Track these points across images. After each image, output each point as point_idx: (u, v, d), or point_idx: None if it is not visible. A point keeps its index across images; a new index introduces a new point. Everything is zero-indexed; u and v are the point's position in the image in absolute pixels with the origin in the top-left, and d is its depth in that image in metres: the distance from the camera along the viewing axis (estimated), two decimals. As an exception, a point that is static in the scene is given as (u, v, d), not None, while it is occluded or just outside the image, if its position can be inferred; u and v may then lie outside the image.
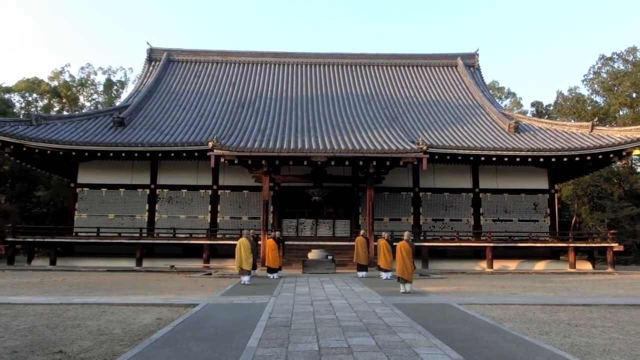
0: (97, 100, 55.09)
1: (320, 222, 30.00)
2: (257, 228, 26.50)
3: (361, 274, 21.08)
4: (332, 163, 24.78)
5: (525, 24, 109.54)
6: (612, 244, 27.63)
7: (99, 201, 29.69)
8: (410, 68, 40.61)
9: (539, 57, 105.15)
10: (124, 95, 51.85)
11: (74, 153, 27.25)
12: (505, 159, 27.83)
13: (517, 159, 27.84)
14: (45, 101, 51.94)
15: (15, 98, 49.53)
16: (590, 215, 40.88)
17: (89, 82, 55.22)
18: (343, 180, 28.19)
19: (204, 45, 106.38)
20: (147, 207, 29.77)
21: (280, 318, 9.66)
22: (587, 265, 28.68)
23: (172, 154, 28.08)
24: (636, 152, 28.40)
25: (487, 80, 43.95)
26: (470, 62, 40.73)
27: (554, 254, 29.89)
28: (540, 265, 28.12)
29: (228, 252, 24.26)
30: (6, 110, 40.73)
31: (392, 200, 30.06)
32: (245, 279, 17.49)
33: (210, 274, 22.66)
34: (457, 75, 39.68)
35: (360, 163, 24.92)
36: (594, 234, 33.02)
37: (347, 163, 25.44)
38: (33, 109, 47.70)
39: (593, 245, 29.08)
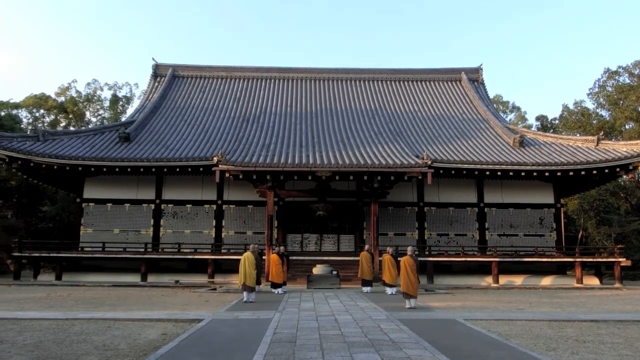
0: (103, 115, 55.44)
1: (324, 237, 29.95)
2: (261, 243, 26.48)
3: (366, 289, 21.00)
4: (337, 178, 24.78)
5: (529, 38, 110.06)
6: (620, 259, 27.45)
7: (104, 216, 29.78)
8: (414, 83, 40.75)
9: (543, 70, 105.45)
10: (130, 110, 52.26)
11: (80, 168, 27.37)
12: (511, 174, 27.78)
13: (522, 174, 27.77)
14: (52, 117, 52.28)
15: (23, 114, 49.94)
16: (597, 230, 40.62)
17: (95, 97, 55.63)
18: (347, 195, 28.20)
19: (209, 60, 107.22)
20: (152, 222, 29.82)
21: (285, 333, 9.63)
22: (594, 281, 28.47)
23: (177, 169, 28.17)
24: (642, 166, 28.28)
25: (491, 94, 44.14)
26: (474, 76, 40.84)
27: (560, 269, 29.72)
28: (546, 281, 27.93)
29: (233, 267, 24.24)
30: (14, 126, 41.03)
31: (397, 215, 30.01)
32: (250, 296, 16.43)
33: (215, 289, 22.63)
34: (461, 90, 39.78)
35: (365, 178, 24.91)
36: (601, 249, 32.80)
37: (351, 178, 25.45)
38: (40, 125, 48.03)
39: (600, 260, 28.89)
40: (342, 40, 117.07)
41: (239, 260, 17.61)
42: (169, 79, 39.55)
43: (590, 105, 50.04)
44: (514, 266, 28.15)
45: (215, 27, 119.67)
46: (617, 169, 27.74)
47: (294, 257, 26.34)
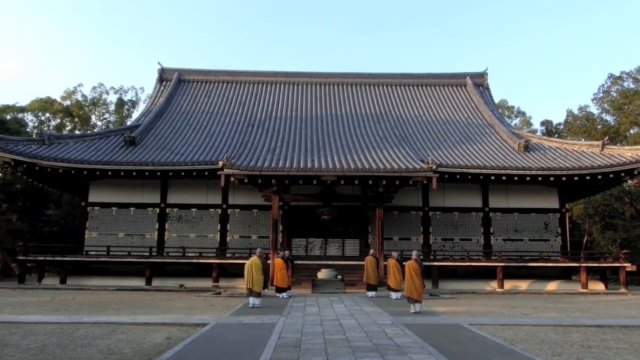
0: (108, 119, 55.62)
1: (329, 242, 29.94)
2: (266, 247, 26.46)
3: (371, 293, 20.98)
4: (342, 182, 24.78)
5: (534, 43, 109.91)
6: (625, 264, 27.33)
7: (109, 220, 29.84)
8: (420, 87, 40.75)
9: (548, 75, 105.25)
10: (135, 114, 52.38)
11: (85, 172, 27.43)
12: (515, 178, 27.73)
13: (527, 178, 27.72)
14: (58, 120, 52.49)
15: (29, 117, 50.14)
16: (602, 235, 40.44)
17: (100, 101, 55.78)
18: (352, 199, 28.20)
19: (215, 64, 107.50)
20: (157, 226, 29.87)
21: (290, 338, 9.63)
22: (599, 286, 28.34)
23: (183, 173, 28.20)
24: (647, 171, 28.14)
25: (496, 99, 43.99)
26: (479, 81, 40.82)
27: (565, 274, 29.58)
28: (551, 286, 27.81)
29: (237, 271, 24.24)
30: (19, 130, 41.17)
31: (402, 220, 29.97)
32: (256, 301, 16.31)
33: (220, 293, 22.63)
34: (466, 95, 39.76)
35: (370, 182, 24.90)
36: (606, 254, 32.67)
37: (356, 182, 25.43)
38: (46, 128, 48.22)
39: (605, 265, 28.75)
40: (348, 44, 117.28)
41: (244, 264, 17.59)
42: (175, 83, 39.66)
43: (594, 110, 49.98)
44: (519, 271, 28.03)
45: (220, 31, 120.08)
46: (622, 174, 27.64)
47: (299, 262, 26.33)
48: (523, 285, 27.67)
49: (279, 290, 20.44)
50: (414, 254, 15.48)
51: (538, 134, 49.11)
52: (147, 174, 27.99)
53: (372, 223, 28.67)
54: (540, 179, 27.77)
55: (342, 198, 26.98)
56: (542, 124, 55.27)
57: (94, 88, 55.94)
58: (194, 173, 28.03)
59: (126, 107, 56.37)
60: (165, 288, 25.26)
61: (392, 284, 19.84)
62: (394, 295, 19.60)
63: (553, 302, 19.35)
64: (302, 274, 25.27)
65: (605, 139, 31.19)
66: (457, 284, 27.33)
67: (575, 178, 27.42)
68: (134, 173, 27.78)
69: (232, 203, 30.17)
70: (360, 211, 29.40)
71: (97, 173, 27.88)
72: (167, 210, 30.11)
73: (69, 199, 37.54)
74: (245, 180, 24.56)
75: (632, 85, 47.06)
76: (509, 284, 27.20)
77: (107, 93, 56.37)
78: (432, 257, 28.08)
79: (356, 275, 25.12)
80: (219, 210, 30.11)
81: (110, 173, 27.84)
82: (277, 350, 8.40)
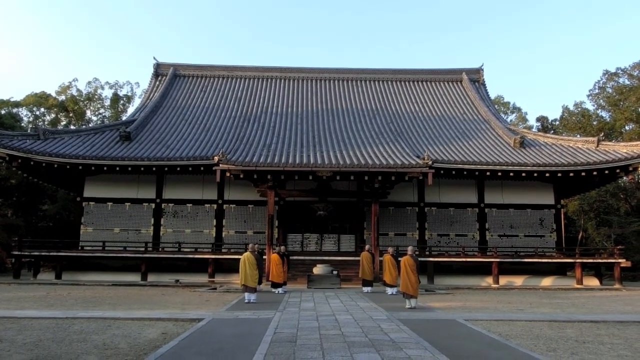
0: (103, 114, 55.47)
1: (325, 237, 29.94)
2: (261, 242, 26.48)
3: (366, 289, 21.01)
4: (338, 178, 24.77)
5: (530, 39, 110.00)
6: (620, 260, 27.45)
7: (104, 215, 29.76)
8: (415, 83, 40.74)
9: (544, 72, 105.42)
10: (131, 109, 52.26)
11: (80, 167, 27.33)
12: (511, 174, 27.76)
13: (523, 174, 27.75)
14: (53, 115, 52.31)
15: (23, 112, 49.99)
16: (597, 231, 40.62)
17: (95, 96, 55.63)
18: (348, 195, 28.20)
19: (210, 60, 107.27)
20: (152, 221, 29.81)
21: (286, 333, 9.63)
22: (594, 282, 28.47)
23: (178, 169, 28.15)
24: (643, 167, 28.25)
25: (492, 95, 44.11)
26: (475, 77, 40.81)
27: (560, 270, 29.69)
28: (546, 281, 27.92)
29: (233, 267, 24.24)
30: (14, 125, 41.02)
31: (397, 215, 30.00)
32: (251, 297, 16.23)
33: (215, 288, 22.62)
34: (462, 90, 39.76)
35: (366, 178, 24.90)
36: (601, 250, 32.79)
37: (352, 178, 25.44)
38: (40, 123, 48.05)
39: (600, 261, 28.88)
40: (343, 39, 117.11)
41: (240, 259, 17.56)
42: (170, 78, 39.53)
43: (590, 106, 50.13)
44: (514, 267, 28.13)
45: (216, 26, 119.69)
46: (617, 170, 27.72)
47: (295, 257, 26.34)
48: (518, 281, 27.77)
49: (275, 285, 20.44)
50: (410, 249, 15.51)
51: (534, 130, 49.21)
52: (142, 169, 27.89)
53: (367, 219, 28.70)
54: (535, 175, 27.81)
55: (337, 194, 27.01)
56: (538, 120, 55.45)
57: (89, 83, 55.87)
58: (190, 168, 27.98)
59: (121, 102, 56.19)
60: (161, 283, 25.24)
61: (387, 280, 19.85)
62: (389, 290, 19.62)
63: (548, 298, 19.41)
64: (297, 270, 25.29)
65: (601, 135, 31.30)
66: (453, 280, 27.41)
67: (571, 174, 27.47)
68: (130, 168, 27.69)
69: (228, 198, 30.12)
70: (356, 207, 29.40)
71: (93, 168, 27.77)
72: (163, 205, 30.05)
73: (64, 194, 37.43)
74: (241, 176, 24.55)
75: (627, 82, 47.22)
76: (504, 280, 27.29)
77: (103, 88, 56.32)
78: (427, 253, 28.15)
79: (352, 270, 25.14)
80: (215, 206, 30.06)
81: (105, 168, 27.75)
82: (272, 345, 8.40)
